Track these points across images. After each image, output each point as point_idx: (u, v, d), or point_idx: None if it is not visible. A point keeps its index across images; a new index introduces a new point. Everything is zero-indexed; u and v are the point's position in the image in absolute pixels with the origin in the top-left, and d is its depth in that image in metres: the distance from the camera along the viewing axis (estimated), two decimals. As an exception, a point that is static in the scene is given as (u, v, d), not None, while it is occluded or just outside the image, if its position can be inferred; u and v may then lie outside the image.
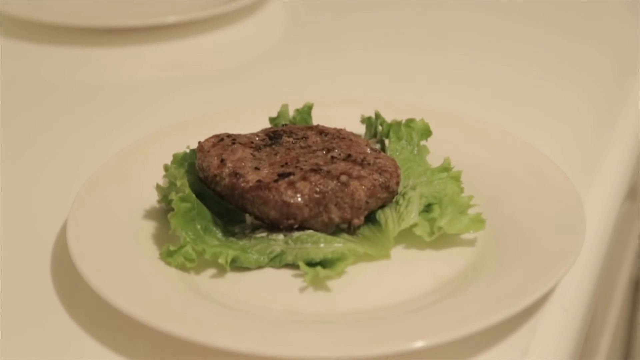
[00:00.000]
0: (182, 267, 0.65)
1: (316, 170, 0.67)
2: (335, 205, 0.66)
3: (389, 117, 0.78)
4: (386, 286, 0.65)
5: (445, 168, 0.74)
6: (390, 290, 0.64)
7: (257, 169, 0.68)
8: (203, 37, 1.18)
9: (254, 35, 1.21)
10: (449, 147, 0.78)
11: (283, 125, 0.77)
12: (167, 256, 0.66)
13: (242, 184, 0.67)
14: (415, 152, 0.76)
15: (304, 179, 0.67)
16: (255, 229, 0.69)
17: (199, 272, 0.66)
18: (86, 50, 1.14)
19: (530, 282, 0.61)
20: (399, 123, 0.76)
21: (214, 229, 0.68)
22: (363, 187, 0.67)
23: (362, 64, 1.09)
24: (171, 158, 0.73)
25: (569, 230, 0.66)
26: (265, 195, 0.66)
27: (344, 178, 0.67)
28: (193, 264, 0.65)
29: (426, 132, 0.77)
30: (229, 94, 1.01)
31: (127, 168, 0.75)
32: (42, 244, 0.70)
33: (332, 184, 0.66)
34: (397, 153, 0.75)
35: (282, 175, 0.67)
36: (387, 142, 0.77)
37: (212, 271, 0.66)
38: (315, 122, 0.80)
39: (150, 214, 0.71)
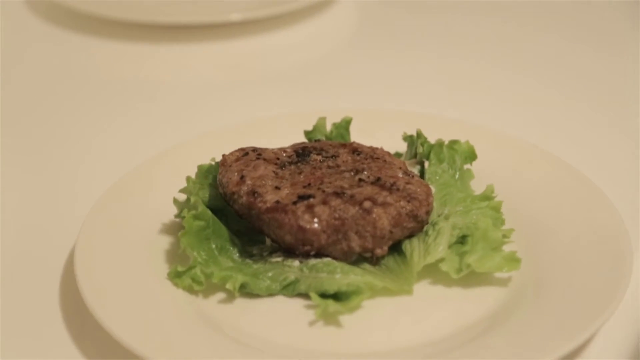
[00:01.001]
0: (190, 289, 0.62)
1: (339, 193, 0.63)
2: (356, 233, 0.62)
3: (436, 134, 0.73)
4: (404, 326, 0.60)
5: (487, 196, 0.68)
6: (407, 330, 0.60)
7: (277, 188, 0.64)
8: (264, 36, 1.14)
9: (316, 37, 1.17)
10: (496, 172, 0.72)
11: (316, 140, 0.72)
12: (175, 277, 0.62)
13: (259, 204, 0.63)
14: (457, 176, 0.70)
15: (324, 203, 0.62)
16: (273, 251, 0.65)
17: (208, 295, 0.62)
18: (146, 46, 1.12)
19: (564, 331, 0.55)
20: (441, 144, 0.71)
21: (231, 248, 0.65)
22: (387, 215, 0.62)
23: (425, 73, 1.04)
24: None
25: (613, 278, 0.59)
26: (282, 218, 0.62)
27: (367, 204, 0.62)
28: (201, 287, 0.61)
29: (471, 156, 0.71)
30: (280, 97, 0.98)
31: (150, 179, 0.72)
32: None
33: (354, 210, 0.61)
34: (437, 177, 0.70)
35: (301, 197, 0.63)
36: (426, 164, 0.71)
37: (221, 295, 0.62)
38: (355, 136, 0.75)
39: (168, 229, 0.68)
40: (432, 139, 0.72)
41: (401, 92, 0.99)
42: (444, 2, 1.24)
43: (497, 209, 0.67)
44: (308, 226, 0.61)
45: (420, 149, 0.72)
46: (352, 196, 0.63)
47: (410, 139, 0.74)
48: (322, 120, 0.76)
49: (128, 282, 0.61)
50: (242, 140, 0.72)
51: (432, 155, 0.71)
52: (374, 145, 0.72)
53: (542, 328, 0.57)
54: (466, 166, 0.72)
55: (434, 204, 0.67)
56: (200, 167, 0.70)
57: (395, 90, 0.99)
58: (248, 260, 0.64)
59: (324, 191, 0.63)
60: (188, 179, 0.69)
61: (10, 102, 0.97)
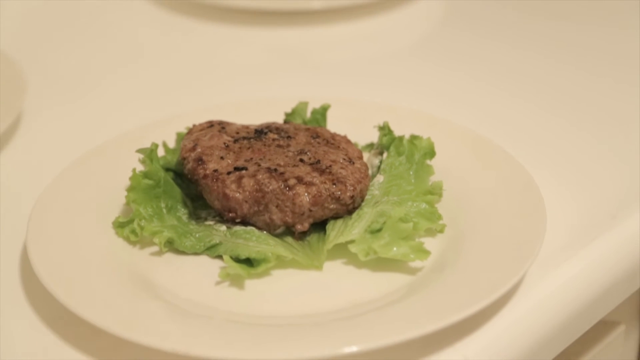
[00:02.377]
0: (127, 240, 0.68)
1: (271, 169, 0.67)
2: (277, 207, 0.66)
3: (423, 132, 0.75)
4: (307, 295, 0.64)
5: (430, 192, 0.70)
6: (310, 298, 0.63)
7: (222, 158, 0.69)
8: (340, 26, 1.17)
9: (390, 30, 1.17)
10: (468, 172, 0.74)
11: (285, 122, 0.77)
12: (117, 226, 0.69)
13: (200, 170, 0.69)
14: (412, 171, 0.72)
15: (254, 176, 0.67)
16: (216, 216, 0.70)
17: (144, 247, 0.68)
18: (224, 28, 1.17)
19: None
20: (401, 138, 0.73)
21: (181, 209, 0.70)
22: (307, 194, 0.65)
23: (490, 86, 1.00)
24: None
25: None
26: (212, 184, 0.67)
27: (292, 182, 0.66)
28: (136, 238, 0.68)
29: (430, 152, 0.73)
30: (323, 86, 1.00)
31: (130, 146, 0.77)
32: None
33: (276, 185, 0.66)
34: (392, 168, 0.73)
35: (236, 169, 0.68)
36: (384, 155, 0.74)
37: (154, 249, 0.68)
38: (341, 125, 0.78)
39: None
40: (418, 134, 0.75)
41: (467, 99, 0.97)
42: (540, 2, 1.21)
43: (431, 203, 0.69)
44: (231, 194, 0.66)
45: (382, 141, 0.75)
46: (282, 173, 0.67)
47: (381, 130, 0.77)
48: (302, 105, 0.80)
49: (73, 231, 0.68)
50: (231, 118, 0.77)
51: (392, 148, 0.74)
52: (352, 134, 0.76)
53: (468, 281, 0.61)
54: (428, 162, 0.74)
55: (376, 192, 0.70)
56: (179, 135, 0.77)
57: (461, 96, 0.98)
58: (193, 222, 0.70)
59: (259, 166, 0.68)
60: (164, 143, 0.75)
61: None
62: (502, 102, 0.95)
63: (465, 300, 0.59)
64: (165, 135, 0.78)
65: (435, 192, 0.71)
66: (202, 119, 0.77)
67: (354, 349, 0.56)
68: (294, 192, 0.65)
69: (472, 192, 0.72)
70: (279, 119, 0.80)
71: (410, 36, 1.19)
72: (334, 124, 0.79)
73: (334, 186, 0.66)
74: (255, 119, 0.77)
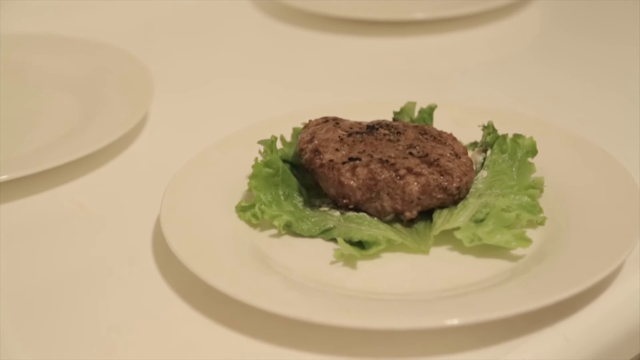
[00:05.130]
0: (249, 223, 0.74)
1: (383, 160, 0.72)
2: (388, 194, 0.71)
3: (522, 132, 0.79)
4: (412, 276, 0.69)
5: (532, 186, 0.75)
6: (411, 280, 0.68)
7: (337, 150, 0.75)
8: (441, 35, 1.22)
9: (491, 42, 1.22)
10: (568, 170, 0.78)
11: (394, 120, 0.82)
12: (240, 210, 0.75)
13: (317, 160, 0.74)
14: (514, 168, 0.77)
15: (367, 165, 0.72)
16: (330, 204, 0.75)
17: (264, 229, 0.74)
18: (328, 37, 1.24)
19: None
20: (504, 136, 0.78)
21: (297, 197, 0.76)
22: (416, 183, 0.71)
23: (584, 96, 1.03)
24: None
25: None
26: (329, 173, 0.73)
27: (402, 172, 0.71)
28: (257, 221, 0.74)
29: (532, 150, 0.78)
30: (427, 92, 1.04)
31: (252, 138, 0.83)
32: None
33: (388, 174, 0.71)
34: (495, 165, 0.77)
35: (351, 159, 0.73)
36: (489, 152, 0.78)
37: (273, 231, 0.74)
38: (447, 125, 0.83)
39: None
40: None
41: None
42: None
43: (533, 197, 0.73)
44: (346, 182, 0.72)
45: (486, 139, 0.80)
46: (393, 164, 0.72)
47: (485, 130, 0.82)
48: (410, 104, 0.85)
49: (201, 213, 0.74)
50: (343, 116, 0.83)
51: (495, 146, 0.79)
52: (456, 133, 0.80)
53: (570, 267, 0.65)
54: (530, 160, 0.78)
55: (479, 186, 0.75)
56: (294, 129, 0.83)
57: (566, 98, 1.01)
58: (308, 209, 0.76)
59: (372, 157, 0.74)
60: (281, 137, 0.82)
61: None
62: (607, 104, 0.99)
63: (565, 283, 0.63)
64: (282, 130, 0.84)
65: (537, 186, 0.75)
66: (315, 116, 0.83)
67: (455, 321, 0.61)
68: (405, 181, 0.71)
69: (571, 189, 0.76)
70: (388, 118, 0.85)
71: (511, 45, 1.23)
72: (440, 124, 0.84)
73: (442, 177, 0.71)
74: (364, 118, 0.83)
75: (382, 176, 0.71)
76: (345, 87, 1.08)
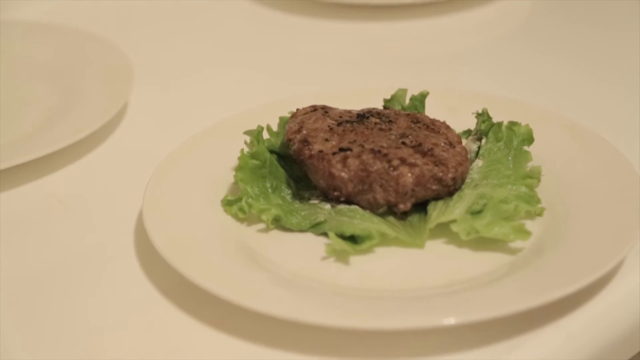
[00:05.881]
0: (236, 217, 0.71)
1: (375, 151, 0.69)
2: (381, 186, 0.68)
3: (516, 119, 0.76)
4: (407, 271, 0.66)
5: (529, 176, 0.72)
6: (406, 275, 0.65)
7: (326, 140, 0.72)
8: (430, 19, 1.18)
9: (480, 25, 1.18)
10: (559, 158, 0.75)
11: (385, 108, 0.79)
12: (226, 204, 0.72)
13: (306, 151, 0.71)
14: (510, 157, 0.74)
15: (358, 156, 0.69)
16: (318, 196, 0.72)
17: (251, 224, 0.71)
18: (325, 22, 1.20)
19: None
20: (499, 124, 0.75)
21: (285, 189, 0.73)
22: (410, 174, 0.68)
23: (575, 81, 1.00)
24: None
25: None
26: (318, 164, 0.70)
27: (395, 162, 0.68)
28: (244, 215, 0.71)
29: (528, 138, 0.75)
30: (417, 78, 1.02)
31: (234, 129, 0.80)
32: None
33: (380, 165, 0.68)
34: (490, 153, 0.74)
35: (341, 150, 0.70)
36: (484, 140, 0.75)
37: (261, 226, 0.71)
38: (438, 112, 0.80)
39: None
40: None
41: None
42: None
43: (531, 187, 0.71)
44: (337, 173, 0.69)
45: (481, 127, 0.77)
46: (386, 154, 0.69)
47: (479, 117, 0.79)
48: (401, 91, 0.82)
49: (185, 207, 0.71)
50: (331, 104, 0.79)
51: (490, 134, 0.76)
52: (449, 121, 0.77)
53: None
54: (526, 148, 0.75)
55: (475, 176, 0.72)
56: (281, 119, 0.80)
57: (559, 85, 0.98)
58: (297, 202, 0.72)
59: (363, 147, 0.70)
60: (267, 127, 0.78)
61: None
62: (600, 91, 0.96)
63: (566, 278, 0.60)
64: (269, 119, 0.80)
65: (534, 176, 0.72)
66: (303, 104, 0.79)
67: (452, 321, 0.58)
68: (398, 172, 0.68)
69: (569, 178, 0.73)
70: (378, 106, 0.82)
71: (501, 29, 1.20)
72: (431, 112, 0.81)
73: (436, 167, 0.68)
74: (354, 106, 0.79)
75: (375, 167, 0.68)
76: (332, 74, 1.05)
